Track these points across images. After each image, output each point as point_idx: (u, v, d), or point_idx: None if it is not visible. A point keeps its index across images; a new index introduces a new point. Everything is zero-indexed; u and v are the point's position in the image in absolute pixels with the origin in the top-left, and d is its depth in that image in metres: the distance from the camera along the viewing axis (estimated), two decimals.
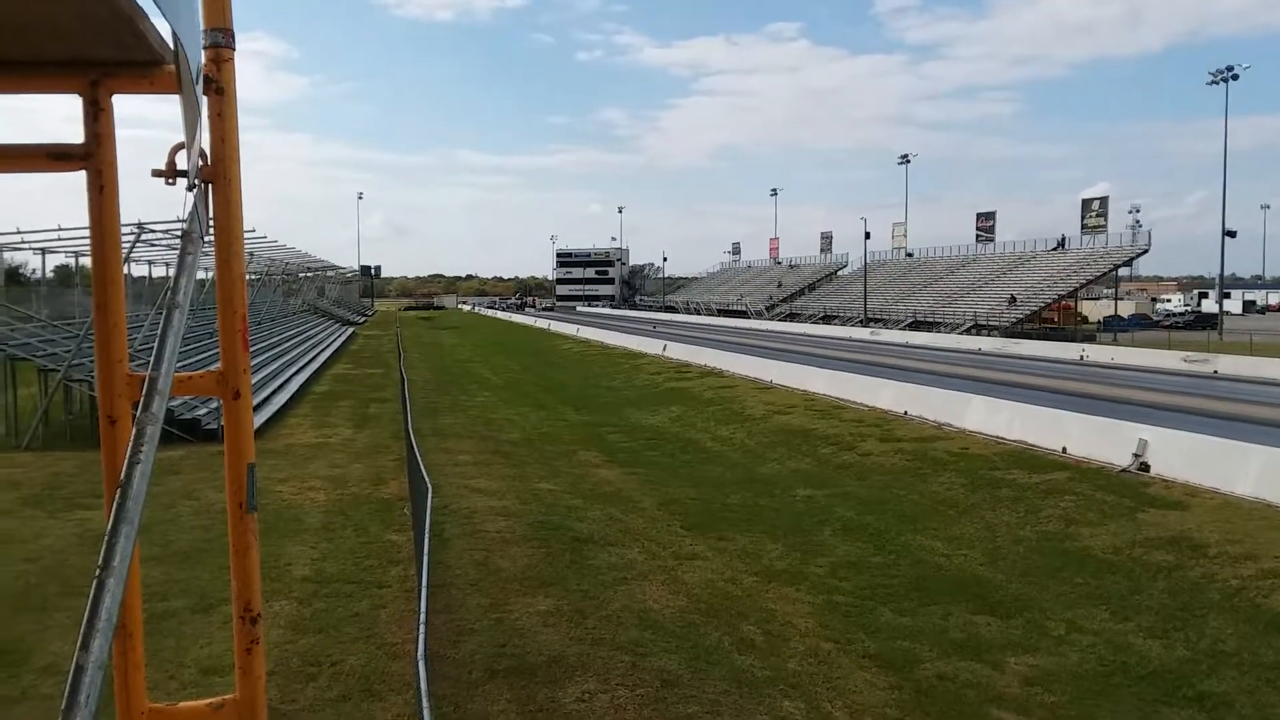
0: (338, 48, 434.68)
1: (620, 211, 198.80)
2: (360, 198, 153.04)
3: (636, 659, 8.76)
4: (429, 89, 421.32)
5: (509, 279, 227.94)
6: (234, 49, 2.27)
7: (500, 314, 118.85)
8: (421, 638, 6.36)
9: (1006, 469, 17.93)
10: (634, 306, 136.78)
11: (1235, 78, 66.51)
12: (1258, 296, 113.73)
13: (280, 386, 30.31)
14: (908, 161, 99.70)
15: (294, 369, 36.17)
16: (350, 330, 72.66)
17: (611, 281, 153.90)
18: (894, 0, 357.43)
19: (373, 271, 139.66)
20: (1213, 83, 67.50)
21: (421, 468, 11.81)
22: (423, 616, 6.83)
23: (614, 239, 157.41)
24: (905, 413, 24.94)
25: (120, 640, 2.07)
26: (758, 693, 8.28)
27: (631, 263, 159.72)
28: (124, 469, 1.74)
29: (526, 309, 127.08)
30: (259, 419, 22.52)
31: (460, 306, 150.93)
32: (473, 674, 8.35)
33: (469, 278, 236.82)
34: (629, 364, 44.29)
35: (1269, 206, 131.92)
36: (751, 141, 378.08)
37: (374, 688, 8.07)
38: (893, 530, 14.53)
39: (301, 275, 72.03)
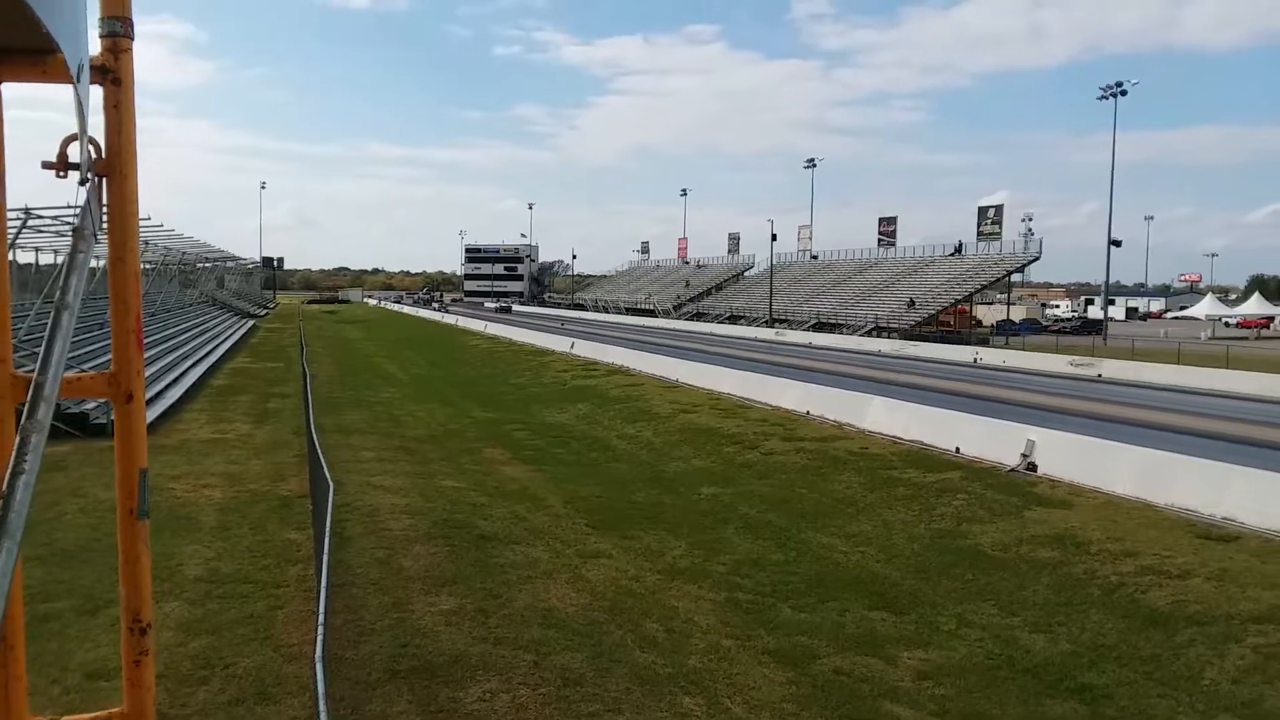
0: (248, 31, 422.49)
1: (531, 208, 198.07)
2: (263, 187, 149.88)
3: (539, 658, 8.76)
4: (341, 78, 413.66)
5: (417, 274, 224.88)
6: (132, 38, 2.21)
7: (407, 309, 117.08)
8: (320, 638, 6.26)
9: (903, 468, 18.44)
10: (543, 304, 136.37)
11: (1124, 93, 69.36)
12: (1140, 304, 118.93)
13: (175, 380, 29.29)
14: (814, 165, 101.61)
15: (190, 362, 35.01)
16: (250, 323, 70.63)
17: (521, 278, 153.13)
18: (810, 6, 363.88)
19: (275, 263, 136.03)
20: (1103, 97, 70.29)
21: (323, 464, 11.58)
22: (321, 617, 6.71)
23: (524, 235, 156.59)
24: (808, 412, 25.42)
25: (0, 652, 2.00)
26: (659, 690, 8.36)
27: (541, 260, 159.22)
28: (6, 479, 1.67)
29: (434, 305, 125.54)
30: (152, 414, 21.74)
31: (366, 301, 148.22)
32: (372, 675, 8.23)
33: (376, 272, 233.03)
34: (537, 361, 44.11)
35: (1153, 218, 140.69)
36: (665, 142, 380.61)
37: (269, 691, 7.89)
38: (794, 528, 14.82)
39: (200, 266, 69.76)
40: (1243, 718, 8.38)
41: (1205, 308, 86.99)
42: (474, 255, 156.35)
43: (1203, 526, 13.76)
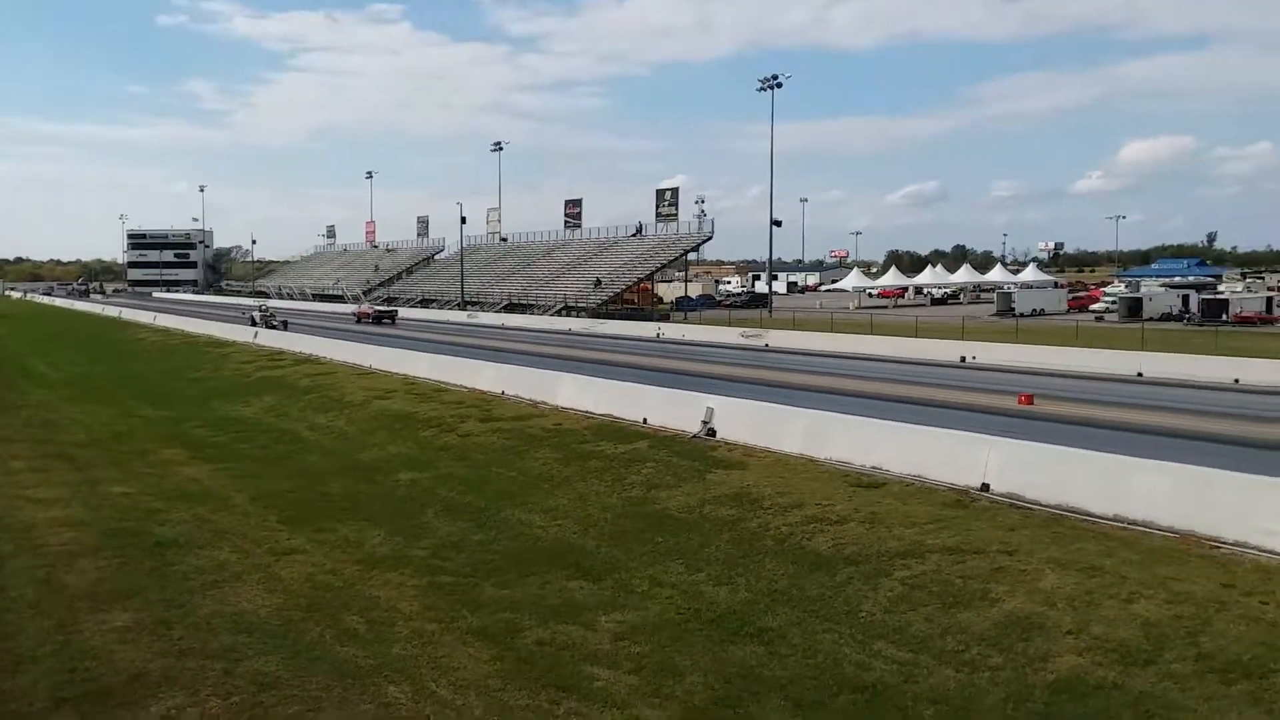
0: None
1: (202, 190, 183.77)
2: None
3: (230, 665, 8.35)
4: None
5: (70, 262, 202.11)
6: None
7: (60, 301, 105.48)
8: None
9: (595, 441, 19.14)
10: (220, 292, 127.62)
11: (780, 86, 75.37)
12: (799, 278, 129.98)
13: None
14: (500, 149, 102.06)
15: None
16: None
17: (194, 265, 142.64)
18: None
19: None
20: (762, 89, 75.94)
21: None
22: None
23: (196, 220, 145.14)
24: (503, 393, 25.68)
25: None
26: (362, 682, 8.25)
27: (217, 245, 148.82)
28: None
29: (92, 295, 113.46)
30: None
31: (9, 293, 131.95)
32: (34, 705, 7.49)
33: (20, 261, 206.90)
34: (216, 353, 41.33)
35: (807, 200, 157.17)
36: (351, 123, 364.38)
37: None
38: (493, 507, 15.00)
39: None
40: (894, 642, 9.52)
41: (852, 281, 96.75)
42: (139, 242, 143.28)
43: (855, 476, 15.42)
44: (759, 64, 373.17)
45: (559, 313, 71.89)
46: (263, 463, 18.92)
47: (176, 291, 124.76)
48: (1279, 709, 7.58)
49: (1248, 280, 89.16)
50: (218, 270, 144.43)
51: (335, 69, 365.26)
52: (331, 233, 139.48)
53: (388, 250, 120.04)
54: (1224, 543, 11.44)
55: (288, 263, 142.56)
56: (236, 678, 8.11)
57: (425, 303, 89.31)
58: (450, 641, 9.49)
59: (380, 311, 67.41)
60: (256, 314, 56.03)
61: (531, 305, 76.65)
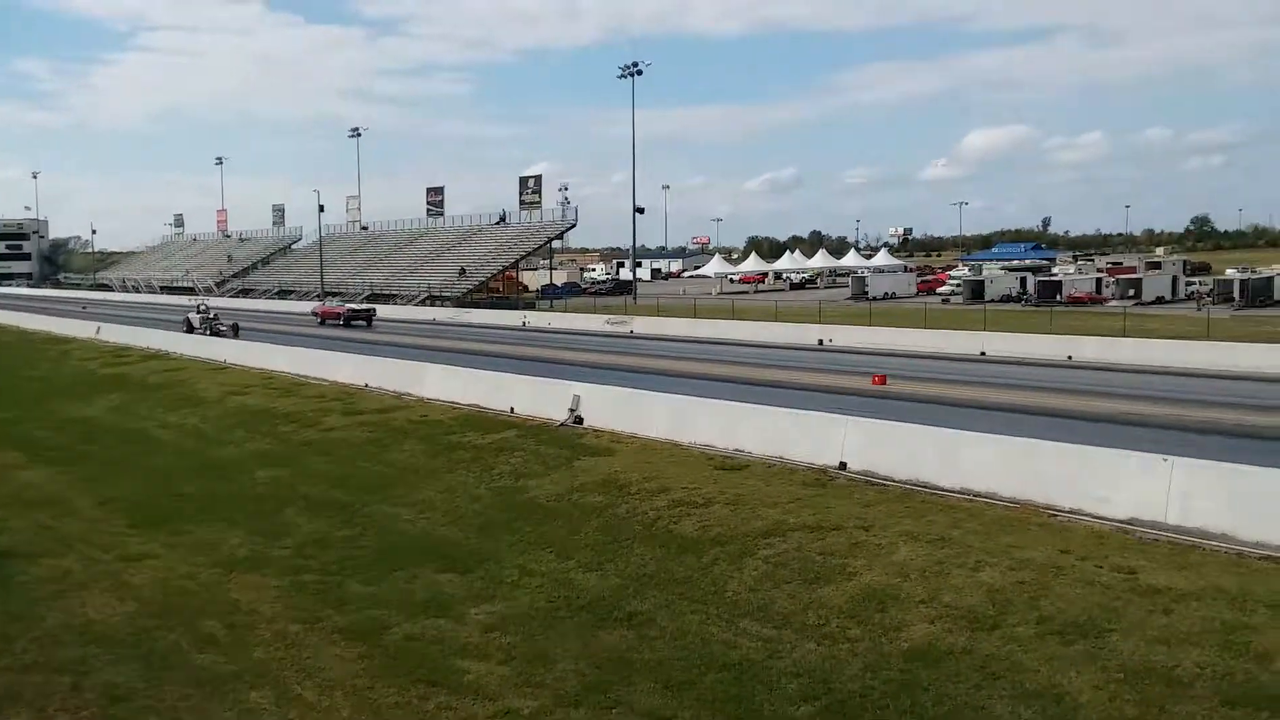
0: None
1: (35, 177, 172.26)
2: None
3: (79, 678, 8.00)
4: None
5: None
6: None
7: None
8: None
9: (463, 432, 18.99)
10: (59, 285, 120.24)
11: (640, 73, 75.78)
12: (663, 264, 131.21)
13: None
14: (359, 135, 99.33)
15: None
16: None
17: (28, 258, 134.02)
18: None
19: None
20: (623, 76, 76.24)
21: None
22: None
23: (29, 209, 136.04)
24: (366, 385, 25.17)
25: None
26: (221, 690, 8.03)
27: (54, 236, 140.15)
28: None
29: None
30: None
31: None
32: None
33: None
34: (55, 350, 39.20)
35: (669, 187, 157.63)
36: (200, 106, 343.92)
37: None
38: (359, 502, 14.73)
39: None
40: (759, 620, 9.82)
41: (714, 267, 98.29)
42: None
43: (720, 459, 15.80)
44: (623, 51, 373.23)
45: (423, 302, 70.68)
46: (109, 465, 18.03)
47: (9, 286, 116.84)
48: (1113, 666, 8.18)
49: (1079, 263, 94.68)
50: (54, 262, 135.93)
51: (181, 49, 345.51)
52: (180, 221, 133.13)
53: (241, 240, 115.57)
54: (1060, 511, 12.24)
55: (133, 254, 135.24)
56: (86, 691, 7.78)
57: (283, 294, 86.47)
58: (315, 642, 9.31)
59: (355, 311, 54.21)
60: (194, 316, 44.68)
61: (395, 295, 75.12)
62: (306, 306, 69.06)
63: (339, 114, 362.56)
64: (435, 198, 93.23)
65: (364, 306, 56.21)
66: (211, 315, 44.71)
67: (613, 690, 8.22)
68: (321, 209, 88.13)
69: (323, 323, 52.60)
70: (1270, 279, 59.37)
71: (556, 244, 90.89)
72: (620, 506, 13.82)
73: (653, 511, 13.43)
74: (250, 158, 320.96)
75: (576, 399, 19.44)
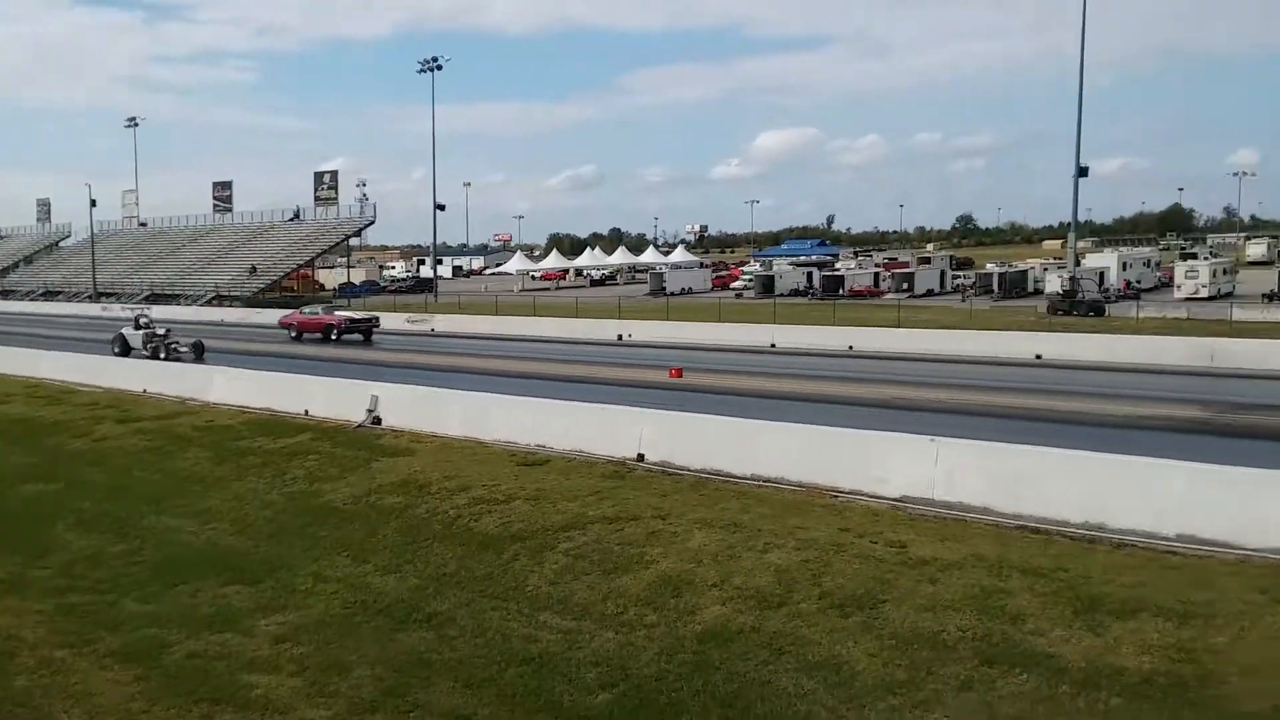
0: None
1: None
2: None
3: None
4: None
5: None
6: None
7: None
8: None
9: (253, 437, 18.17)
10: None
11: (440, 68, 74.38)
12: (464, 262, 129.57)
13: None
14: (136, 125, 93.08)
15: None
16: None
17: None
18: None
19: None
20: (422, 71, 74.62)
21: None
22: None
23: None
24: (144, 390, 23.69)
25: None
26: None
27: None
28: None
29: None
30: None
31: None
32: None
33: None
34: None
35: (470, 184, 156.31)
36: None
37: None
38: (136, 515, 13.85)
39: None
40: (559, 612, 9.91)
41: (516, 264, 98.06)
42: None
43: (521, 455, 15.79)
44: (420, 45, 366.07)
45: (210, 303, 66.91)
46: None
47: None
48: (886, 634, 8.76)
49: (859, 259, 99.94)
50: None
51: None
52: None
53: (1, 237, 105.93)
54: (841, 492, 12.98)
55: None
56: None
57: (50, 295, 79.86)
58: (85, 667, 8.71)
59: (353, 322, 41.32)
60: (130, 332, 32.63)
61: (179, 295, 70.72)
62: (74, 309, 64.02)
63: (113, 103, 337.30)
64: (223, 193, 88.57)
65: (365, 315, 43.35)
66: (162, 332, 32.61)
67: (411, 693, 8.11)
68: (93, 203, 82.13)
69: (299, 337, 40.79)
70: (1024, 273, 64.91)
71: (355, 241, 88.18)
72: (420, 507, 13.61)
73: (453, 510, 13.30)
74: (13, 150, 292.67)
75: (375, 399, 18.96)
